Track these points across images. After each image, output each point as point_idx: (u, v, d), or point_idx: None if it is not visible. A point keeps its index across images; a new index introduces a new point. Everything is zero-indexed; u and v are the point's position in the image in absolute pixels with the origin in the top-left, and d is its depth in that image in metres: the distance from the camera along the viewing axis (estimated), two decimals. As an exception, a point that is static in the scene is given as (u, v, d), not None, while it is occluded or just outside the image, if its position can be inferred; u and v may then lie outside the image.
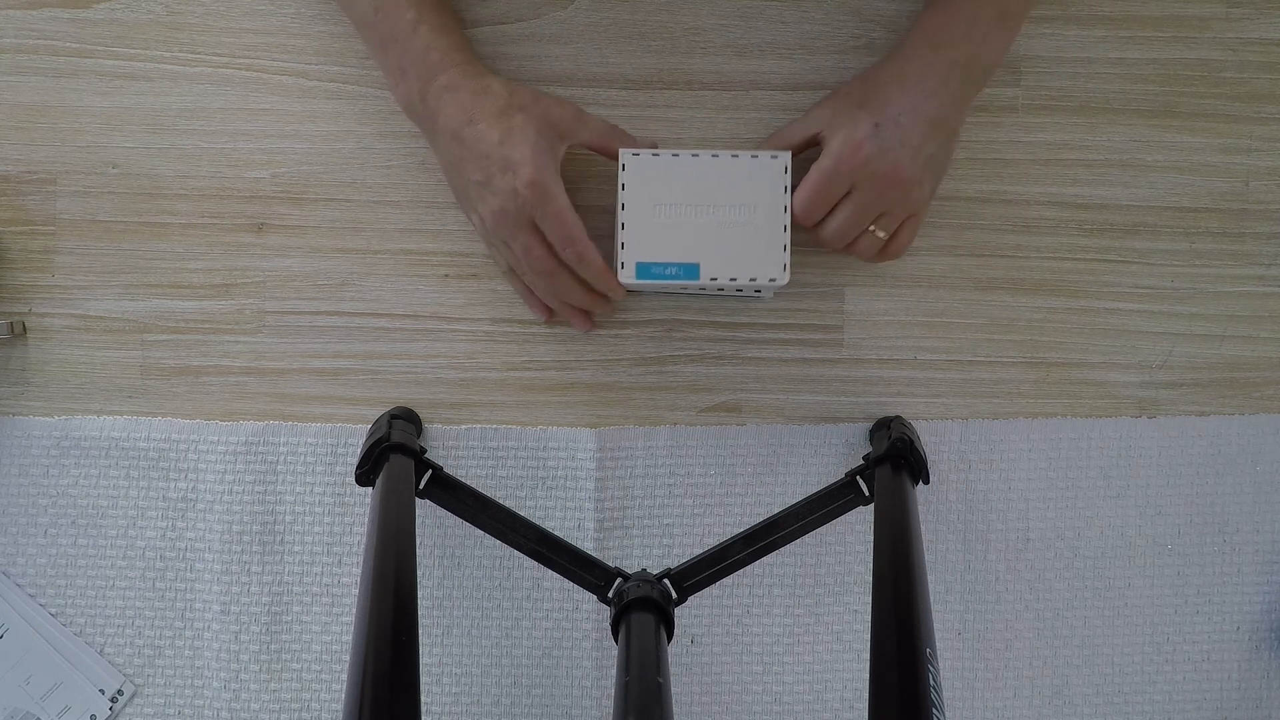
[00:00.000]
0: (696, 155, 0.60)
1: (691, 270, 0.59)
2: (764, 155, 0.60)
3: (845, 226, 0.60)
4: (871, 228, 0.61)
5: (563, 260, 0.59)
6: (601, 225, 0.61)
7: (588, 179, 0.65)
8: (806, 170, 0.60)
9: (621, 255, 0.60)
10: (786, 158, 0.60)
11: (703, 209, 0.59)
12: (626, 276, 0.60)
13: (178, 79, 0.67)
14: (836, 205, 0.60)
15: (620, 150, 0.60)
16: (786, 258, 0.59)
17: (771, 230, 0.59)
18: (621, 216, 0.60)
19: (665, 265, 0.59)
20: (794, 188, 0.60)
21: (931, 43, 0.60)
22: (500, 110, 0.58)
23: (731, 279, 0.59)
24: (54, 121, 0.67)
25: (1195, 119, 0.69)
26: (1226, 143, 0.69)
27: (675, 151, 0.60)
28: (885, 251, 0.63)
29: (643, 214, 0.60)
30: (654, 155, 0.60)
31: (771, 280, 0.60)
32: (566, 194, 0.58)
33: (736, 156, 0.60)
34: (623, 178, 0.60)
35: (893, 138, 0.58)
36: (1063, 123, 0.68)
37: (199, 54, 0.67)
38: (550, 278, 0.61)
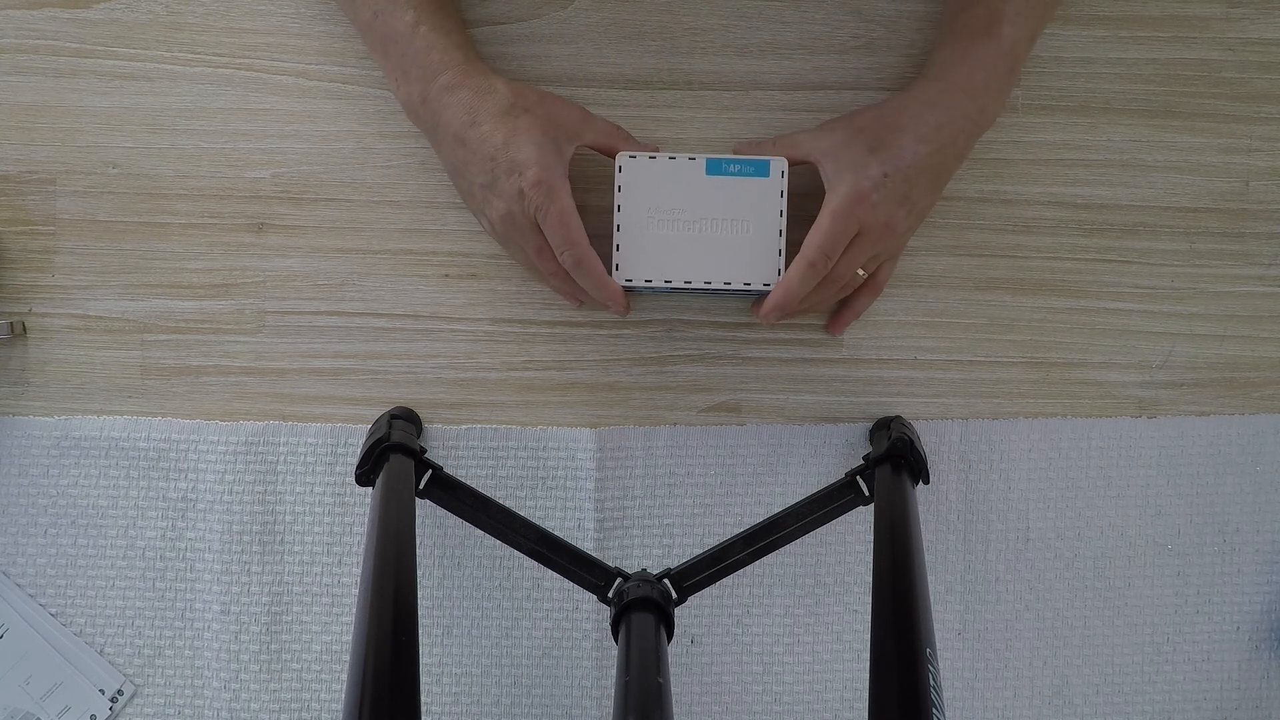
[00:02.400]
0: (694, 159, 0.60)
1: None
2: (762, 161, 0.60)
3: (841, 269, 0.60)
4: (860, 271, 0.61)
5: (561, 264, 0.59)
6: (602, 225, 0.61)
7: (588, 179, 0.65)
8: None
9: (616, 258, 0.60)
10: (783, 163, 0.60)
11: (697, 213, 0.60)
12: (620, 279, 0.60)
13: (178, 79, 0.67)
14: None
15: (617, 154, 0.60)
16: (780, 263, 0.60)
17: (766, 236, 0.60)
18: (616, 219, 0.60)
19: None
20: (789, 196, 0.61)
21: (951, 90, 0.60)
22: (504, 110, 0.57)
23: (725, 283, 0.60)
24: (54, 121, 0.67)
25: (1195, 119, 0.69)
26: (1226, 143, 0.69)
27: (672, 155, 0.60)
28: (869, 289, 0.64)
29: (637, 218, 0.60)
30: (650, 159, 0.60)
31: (765, 285, 0.60)
32: (572, 197, 0.57)
33: (734, 163, 0.60)
34: (619, 180, 0.60)
35: (898, 191, 0.58)
36: (1063, 123, 0.68)
37: (199, 54, 0.67)
38: (563, 279, 0.60)
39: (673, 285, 0.60)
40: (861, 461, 0.64)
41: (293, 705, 0.69)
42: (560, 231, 0.57)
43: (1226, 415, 0.71)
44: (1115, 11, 0.68)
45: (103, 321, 0.68)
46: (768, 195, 0.60)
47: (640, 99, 0.67)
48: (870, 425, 0.69)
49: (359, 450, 0.64)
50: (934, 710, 0.44)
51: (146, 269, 0.68)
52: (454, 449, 0.69)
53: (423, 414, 0.69)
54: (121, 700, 0.68)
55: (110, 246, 0.68)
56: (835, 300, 0.65)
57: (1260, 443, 0.71)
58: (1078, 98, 0.68)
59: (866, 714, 0.45)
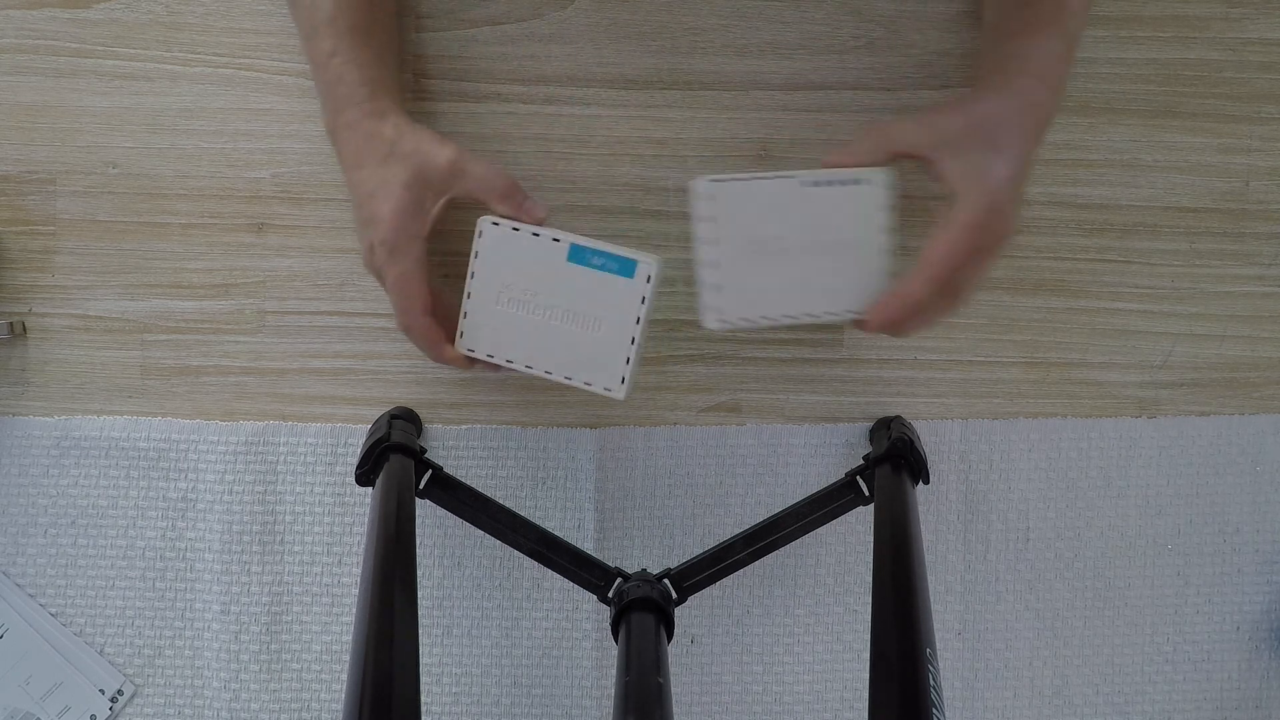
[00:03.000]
0: (558, 240, 0.55)
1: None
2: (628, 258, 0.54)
3: (964, 286, 0.54)
4: None
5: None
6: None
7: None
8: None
9: (462, 325, 0.57)
10: (650, 268, 0.53)
11: (550, 300, 0.55)
12: (462, 347, 0.57)
13: (178, 79, 0.67)
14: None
15: (480, 219, 0.56)
16: (628, 370, 0.55)
17: (618, 338, 0.55)
18: (468, 286, 0.56)
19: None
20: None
21: (1037, 85, 0.55)
22: (381, 158, 0.56)
23: (566, 378, 0.56)
24: (54, 121, 0.67)
25: (1195, 119, 0.69)
26: (1226, 143, 0.69)
27: (537, 231, 0.55)
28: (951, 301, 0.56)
29: (490, 289, 0.55)
30: (514, 230, 0.55)
31: (607, 390, 0.55)
32: (421, 257, 0.55)
33: (598, 255, 0.54)
34: (476, 245, 0.55)
35: (1018, 197, 0.53)
36: (1063, 123, 0.68)
37: (199, 54, 0.67)
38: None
39: (513, 367, 0.56)
40: (861, 461, 0.64)
41: (293, 705, 0.69)
42: (396, 295, 0.56)
43: (1226, 415, 0.71)
44: (1115, 11, 0.68)
45: (103, 321, 0.68)
46: (626, 296, 0.54)
47: (640, 99, 0.67)
48: (870, 425, 0.69)
49: (359, 450, 0.64)
50: (934, 710, 0.44)
51: (146, 269, 0.68)
52: (454, 449, 0.69)
53: (423, 414, 0.69)
54: (121, 700, 0.68)
55: (110, 246, 0.68)
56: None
57: (1260, 443, 0.71)
58: (1078, 98, 0.68)
59: (866, 714, 0.45)
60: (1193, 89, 0.68)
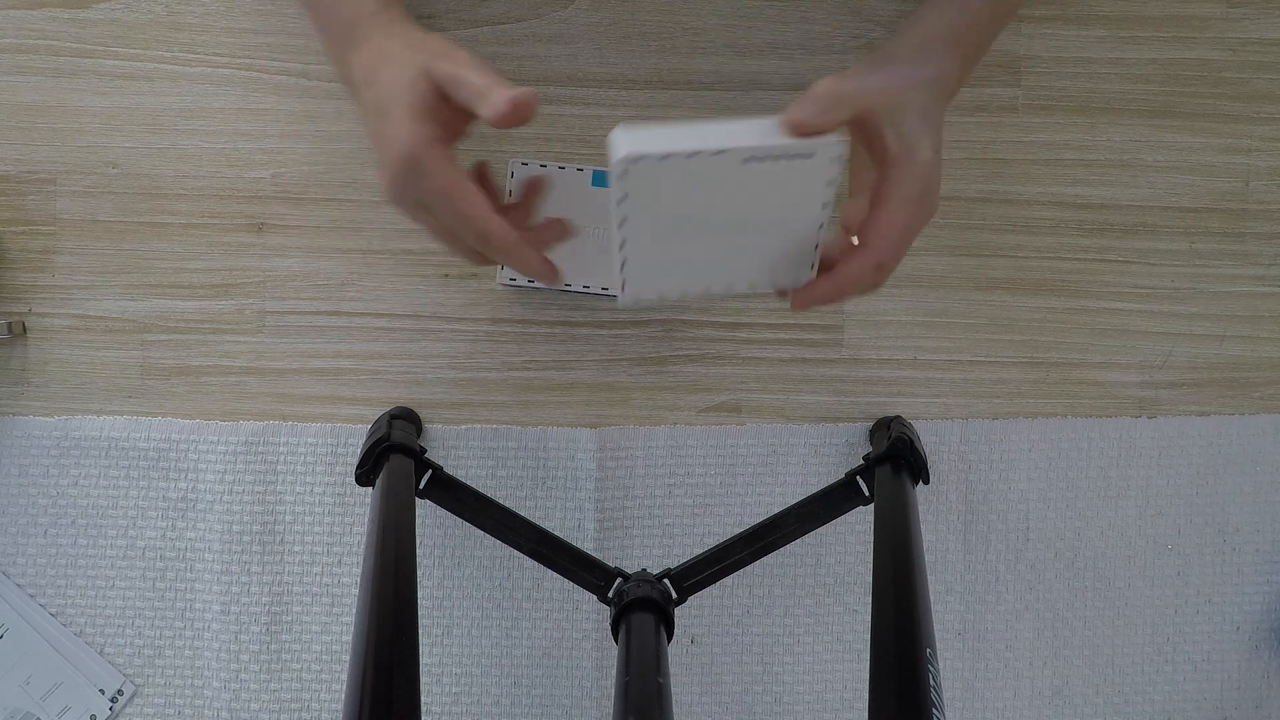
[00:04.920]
0: (581, 170, 0.57)
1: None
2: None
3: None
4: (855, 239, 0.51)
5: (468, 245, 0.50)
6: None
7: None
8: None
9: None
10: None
11: (581, 221, 0.53)
12: (503, 279, 0.58)
13: (178, 79, 0.67)
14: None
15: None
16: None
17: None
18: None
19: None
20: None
21: (957, 47, 0.51)
22: (400, 66, 0.49)
23: (584, 287, 0.59)
24: (54, 121, 0.67)
25: (1195, 119, 0.69)
26: (1226, 143, 0.69)
27: (562, 165, 0.56)
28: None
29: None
30: (541, 167, 0.55)
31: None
32: (453, 163, 0.47)
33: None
34: (509, 185, 0.56)
35: (940, 171, 0.50)
36: (1063, 123, 0.68)
37: (199, 54, 0.67)
38: (476, 256, 0.51)
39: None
40: (861, 461, 0.64)
41: (293, 705, 0.69)
42: (448, 208, 0.48)
43: (1226, 415, 0.71)
44: (1115, 11, 0.68)
45: (103, 321, 0.68)
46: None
47: (640, 99, 0.67)
48: (870, 425, 0.69)
49: (359, 450, 0.64)
50: (934, 710, 0.44)
51: (146, 269, 0.68)
52: (454, 449, 0.69)
53: (423, 414, 0.69)
54: (121, 700, 0.68)
55: (110, 246, 0.68)
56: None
57: (1260, 443, 0.71)
58: (1078, 98, 0.68)
59: (866, 714, 0.45)
60: (1193, 89, 0.68)
